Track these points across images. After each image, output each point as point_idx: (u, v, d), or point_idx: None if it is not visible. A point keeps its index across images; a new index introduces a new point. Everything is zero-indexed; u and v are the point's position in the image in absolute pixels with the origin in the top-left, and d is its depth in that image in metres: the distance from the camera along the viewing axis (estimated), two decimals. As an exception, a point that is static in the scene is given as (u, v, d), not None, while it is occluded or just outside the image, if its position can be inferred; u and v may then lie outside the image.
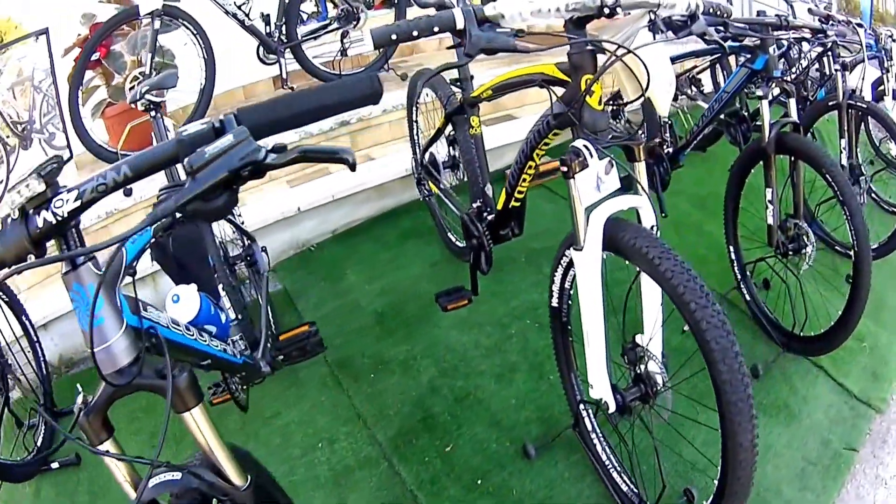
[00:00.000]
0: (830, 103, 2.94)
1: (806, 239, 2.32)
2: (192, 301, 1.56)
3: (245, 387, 2.22)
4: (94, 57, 3.02)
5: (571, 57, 1.46)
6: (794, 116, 2.31)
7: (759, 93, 2.23)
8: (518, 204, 2.11)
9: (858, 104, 2.90)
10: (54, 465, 2.19)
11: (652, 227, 1.55)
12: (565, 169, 1.46)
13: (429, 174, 2.58)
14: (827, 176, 2.14)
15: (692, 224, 3.12)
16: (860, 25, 3.00)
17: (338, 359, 2.58)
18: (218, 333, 1.65)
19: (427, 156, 2.62)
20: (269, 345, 2.08)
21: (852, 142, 2.98)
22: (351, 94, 0.94)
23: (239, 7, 2.96)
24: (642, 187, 1.55)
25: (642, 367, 1.67)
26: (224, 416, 2.23)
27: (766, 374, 2.36)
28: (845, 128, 2.91)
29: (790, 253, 2.36)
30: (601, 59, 1.44)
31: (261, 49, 3.10)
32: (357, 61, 3.61)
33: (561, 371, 2.02)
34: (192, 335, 1.32)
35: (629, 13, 1.46)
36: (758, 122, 3.96)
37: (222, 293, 1.97)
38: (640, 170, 1.57)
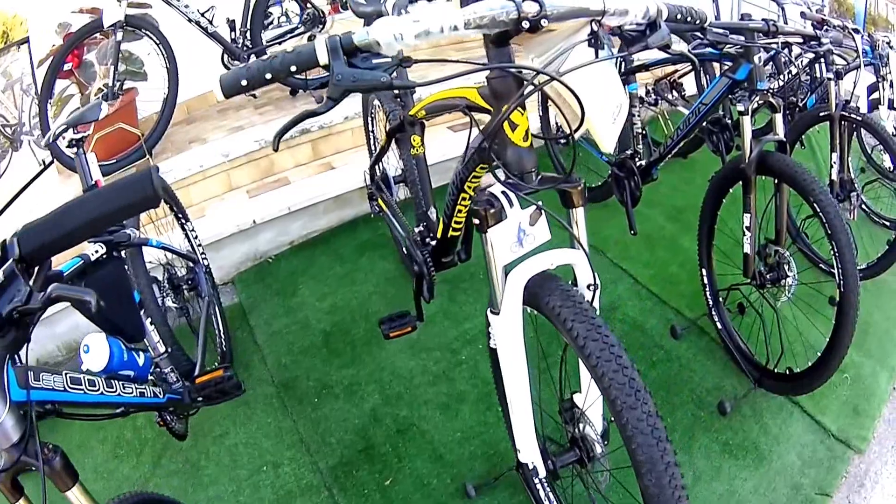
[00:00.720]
0: (822, 114, 2.55)
1: (787, 268, 1.97)
2: (101, 350, 1.48)
3: (183, 416, 2.01)
4: (67, 67, 2.78)
5: (491, 81, 1.09)
6: (781, 133, 1.94)
7: (740, 107, 1.86)
8: (457, 233, 1.79)
9: (852, 116, 2.50)
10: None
11: (589, 287, 1.20)
12: (477, 221, 1.11)
13: (380, 189, 2.24)
14: (815, 204, 1.78)
15: (666, 238, 2.73)
16: (856, 31, 2.59)
17: (284, 380, 2.30)
18: (136, 377, 1.59)
19: (379, 170, 2.28)
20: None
21: (845, 155, 2.59)
22: (126, 200, 0.84)
23: (202, 14, 2.63)
24: (579, 241, 1.19)
25: (580, 428, 1.36)
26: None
27: (734, 411, 2.04)
28: (837, 141, 2.53)
29: (768, 284, 2.02)
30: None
31: (225, 56, 2.78)
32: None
33: (504, 413, 1.73)
34: (98, 389, 1.31)
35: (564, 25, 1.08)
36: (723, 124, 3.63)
37: (150, 328, 1.77)
38: (578, 219, 1.20)
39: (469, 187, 1.33)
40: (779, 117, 1.92)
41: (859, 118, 2.45)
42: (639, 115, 2.28)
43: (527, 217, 1.14)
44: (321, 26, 2.98)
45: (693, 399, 2.06)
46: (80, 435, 2.22)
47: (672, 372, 2.11)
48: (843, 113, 2.46)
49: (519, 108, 1.07)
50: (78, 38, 2.69)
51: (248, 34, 2.73)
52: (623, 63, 2.20)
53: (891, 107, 2.90)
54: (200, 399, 1.88)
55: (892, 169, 3.02)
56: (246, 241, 2.68)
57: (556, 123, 2.73)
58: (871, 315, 2.54)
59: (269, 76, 0.89)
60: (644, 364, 2.11)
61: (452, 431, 2.02)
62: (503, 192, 1.13)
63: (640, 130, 2.30)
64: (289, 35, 2.93)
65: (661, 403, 2.02)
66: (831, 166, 2.52)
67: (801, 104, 3.11)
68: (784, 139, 1.89)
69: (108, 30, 2.55)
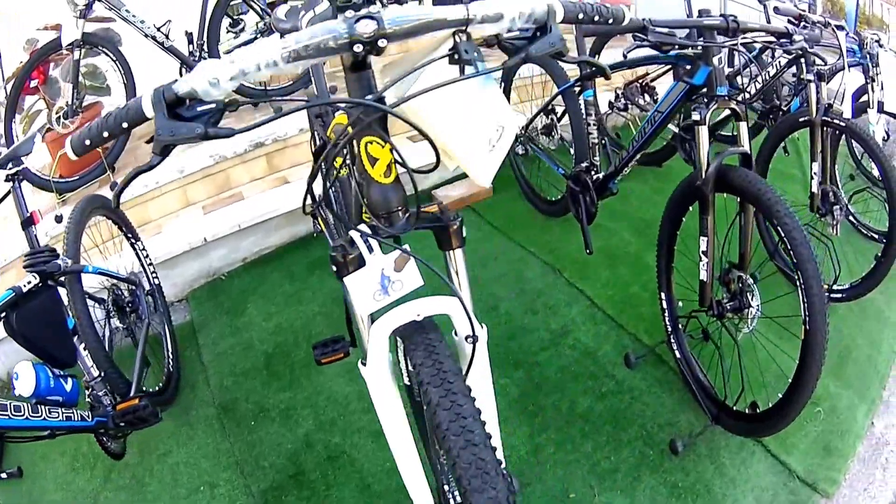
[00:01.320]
0: (801, 119, 2.20)
1: (749, 297, 1.66)
2: (28, 377, 1.55)
3: (119, 436, 1.91)
4: (34, 83, 2.61)
5: (348, 113, 0.90)
6: (745, 145, 1.61)
7: (696, 116, 1.54)
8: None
9: (835, 121, 2.16)
10: (2, 476, 2.01)
11: (468, 339, 0.98)
12: (335, 267, 0.92)
13: (319, 208, 1.97)
14: (779, 228, 1.47)
15: (630, 255, 2.38)
16: (840, 28, 2.23)
17: (225, 401, 2.07)
18: (64, 401, 1.64)
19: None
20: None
21: (827, 165, 2.24)
22: None
23: (158, 29, 2.38)
24: (456, 288, 1.00)
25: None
26: (127, 448, 1.97)
27: (688, 450, 1.74)
28: (818, 149, 2.18)
29: (728, 313, 1.72)
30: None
31: (183, 69, 2.52)
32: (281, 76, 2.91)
33: (427, 451, 1.47)
34: (23, 414, 1.41)
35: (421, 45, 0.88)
36: (723, 134, 3.25)
37: (84, 353, 1.70)
38: (456, 262, 1.01)
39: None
40: (743, 126, 1.60)
41: (843, 124, 2.10)
42: (595, 125, 1.97)
43: (391, 262, 0.92)
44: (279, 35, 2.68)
45: (643, 435, 1.76)
46: (43, 447, 2.10)
47: (622, 405, 1.82)
48: (826, 118, 2.11)
49: (379, 140, 0.89)
50: (39, 56, 2.53)
51: (204, 47, 2.47)
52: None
53: (881, 110, 2.53)
54: (123, 424, 1.77)
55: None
56: (199, 259, 2.44)
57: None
58: (853, 340, 2.21)
59: (106, 134, 0.80)
60: (591, 396, 1.82)
61: (382, 461, 1.78)
62: (361, 236, 0.91)
63: (596, 140, 1.98)
64: (243, 45, 2.66)
65: (606, 440, 1.73)
66: (811, 177, 2.17)
67: (785, 108, 2.76)
68: (748, 152, 1.56)
69: (67, 48, 2.36)
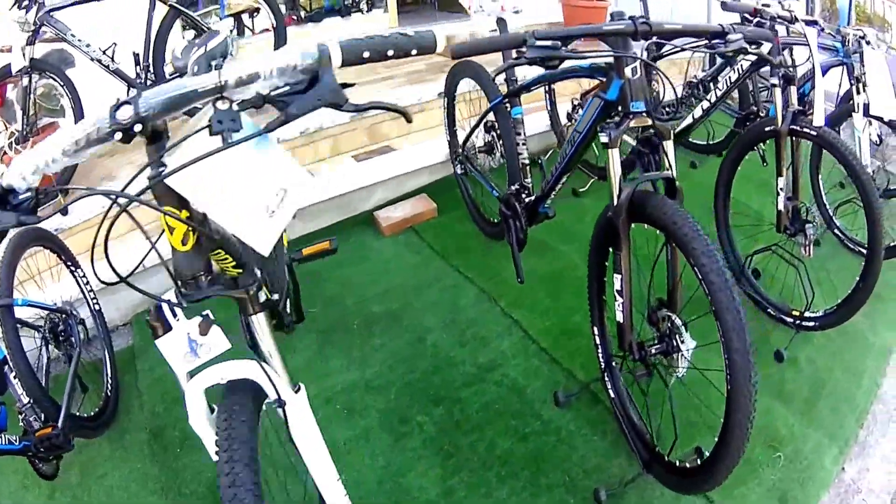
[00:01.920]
0: (767, 129, 1.81)
1: (679, 340, 1.32)
2: None
3: (51, 458, 1.75)
4: None
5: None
6: (671, 168, 1.28)
7: (604, 138, 1.22)
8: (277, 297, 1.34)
9: (805, 130, 1.75)
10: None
11: (275, 404, 0.93)
12: (150, 331, 0.92)
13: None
14: (696, 269, 1.14)
15: (577, 280, 1.96)
16: (812, 24, 1.80)
17: (155, 427, 1.89)
18: None
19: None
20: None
21: (797, 179, 1.83)
22: None
23: (104, 52, 2.20)
24: (258, 353, 0.93)
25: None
26: (66, 469, 1.82)
27: (614, 500, 1.37)
28: (784, 162, 1.78)
29: (652, 358, 1.38)
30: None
31: (130, 92, 2.37)
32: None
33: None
34: None
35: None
36: (695, 141, 2.76)
37: (14, 382, 1.60)
38: (259, 327, 0.93)
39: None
40: (669, 146, 1.26)
41: (813, 133, 1.70)
42: (524, 144, 1.64)
43: (195, 327, 0.90)
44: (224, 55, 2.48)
45: (565, 481, 1.45)
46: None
47: (546, 447, 1.51)
48: (794, 127, 1.71)
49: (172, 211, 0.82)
50: (-8, 83, 2.32)
51: (150, 68, 2.31)
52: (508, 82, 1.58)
53: (866, 113, 2.08)
54: (42, 450, 1.63)
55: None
56: (142, 283, 2.20)
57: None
58: (828, 372, 1.81)
59: None
60: (512, 437, 1.52)
61: (293, 494, 1.57)
62: (168, 303, 0.90)
63: (527, 161, 1.65)
64: None
65: (524, 485, 1.44)
66: (777, 193, 1.78)
67: (763, 114, 2.34)
68: (671, 176, 1.23)
69: (16, 74, 2.23)
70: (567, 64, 1.19)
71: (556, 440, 1.53)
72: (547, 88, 2.35)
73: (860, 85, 2.08)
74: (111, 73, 2.24)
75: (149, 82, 2.26)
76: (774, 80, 1.68)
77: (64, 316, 1.86)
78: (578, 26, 1.13)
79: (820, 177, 2.35)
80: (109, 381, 1.96)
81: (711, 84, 1.91)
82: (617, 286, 1.27)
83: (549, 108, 2.39)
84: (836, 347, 1.89)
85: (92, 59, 2.21)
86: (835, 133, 1.69)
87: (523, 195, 1.60)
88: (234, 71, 0.70)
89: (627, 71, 1.17)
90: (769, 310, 1.88)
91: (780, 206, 1.76)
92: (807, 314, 1.82)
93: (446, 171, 2.28)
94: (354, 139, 2.32)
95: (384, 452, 1.57)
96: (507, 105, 1.61)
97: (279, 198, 0.78)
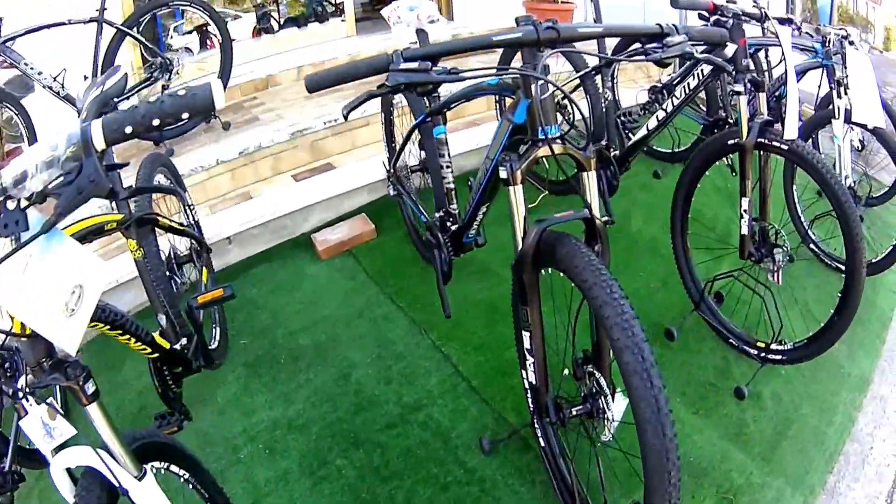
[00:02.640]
0: (731, 142, 1.43)
1: (604, 402, 1.00)
2: None
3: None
4: None
5: None
6: (591, 204, 0.94)
7: (503, 174, 0.88)
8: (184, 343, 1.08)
9: (773, 143, 1.36)
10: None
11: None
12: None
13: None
14: (598, 326, 0.80)
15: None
16: (787, 22, 1.40)
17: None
18: None
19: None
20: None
21: (765, 198, 1.45)
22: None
23: (55, 79, 1.93)
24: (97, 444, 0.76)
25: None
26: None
27: None
28: (749, 181, 1.40)
29: (572, 417, 1.05)
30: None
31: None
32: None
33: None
34: None
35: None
36: (660, 150, 2.27)
37: None
38: (94, 414, 0.77)
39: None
40: (590, 179, 0.91)
41: (784, 147, 1.31)
42: (449, 167, 1.30)
43: (45, 412, 0.78)
44: (168, 75, 2.21)
45: (488, 541, 1.16)
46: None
47: (467, 498, 1.20)
48: (762, 140, 1.33)
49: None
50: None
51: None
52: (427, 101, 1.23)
53: (847, 120, 1.67)
54: None
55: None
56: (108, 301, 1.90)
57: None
58: (795, 409, 1.44)
59: None
60: (433, 486, 1.22)
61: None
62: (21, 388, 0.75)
63: (451, 185, 1.31)
64: (138, 88, 2.12)
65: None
66: (741, 216, 1.40)
67: (733, 120, 1.92)
68: (588, 215, 0.89)
69: None
70: (472, 81, 0.86)
71: (480, 491, 1.23)
72: (497, 98, 1.99)
73: (841, 89, 1.66)
74: (61, 100, 1.97)
75: None
76: (738, 88, 1.30)
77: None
78: (458, 40, 0.79)
79: (795, 187, 1.94)
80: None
81: (676, 89, 1.53)
82: (526, 344, 0.95)
83: (499, 117, 2.03)
84: (806, 380, 1.52)
85: (43, 87, 1.94)
86: (809, 147, 1.30)
87: (448, 223, 1.27)
88: (9, 171, 0.60)
89: (535, 89, 0.83)
90: (731, 340, 1.52)
91: (745, 230, 1.38)
92: (773, 347, 1.45)
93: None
94: (296, 157, 2.01)
95: (302, 497, 1.29)
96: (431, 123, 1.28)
97: (76, 295, 0.66)
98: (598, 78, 1.81)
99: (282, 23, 2.95)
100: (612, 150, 1.62)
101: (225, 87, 2.09)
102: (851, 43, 1.60)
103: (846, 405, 1.49)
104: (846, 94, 1.66)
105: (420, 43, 1.43)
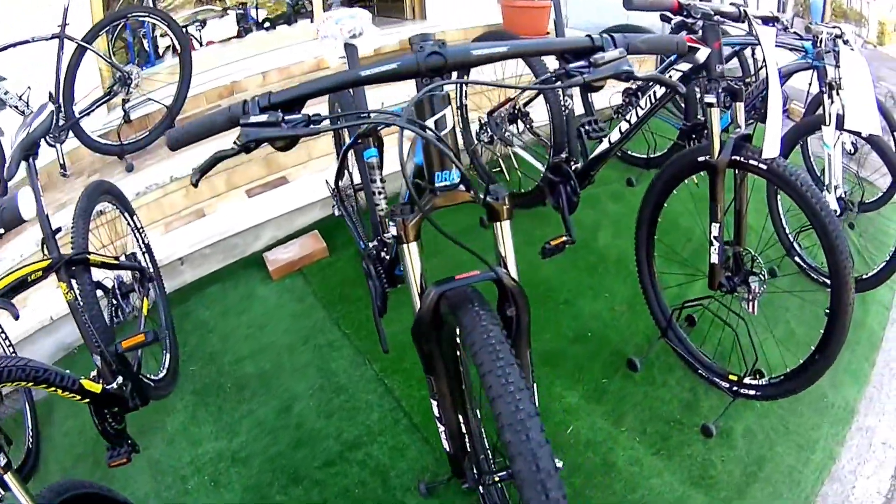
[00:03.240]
0: (701, 158, 1.15)
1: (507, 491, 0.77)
2: None
3: None
4: None
5: None
6: (508, 257, 0.67)
7: (393, 229, 0.65)
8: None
9: (750, 162, 1.09)
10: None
11: None
12: None
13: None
14: (495, 423, 0.58)
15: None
16: (771, 21, 1.10)
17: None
18: None
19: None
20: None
21: (741, 220, 1.17)
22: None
23: (20, 98, 1.72)
24: None
25: None
26: None
27: None
28: (720, 204, 1.13)
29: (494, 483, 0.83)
30: None
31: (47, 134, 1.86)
32: (143, 123, 2.00)
33: None
34: None
35: None
36: (634, 154, 1.93)
37: None
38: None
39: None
40: (504, 229, 0.68)
41: (763, 166, 1.04)
42: (382, 192, 1.04)
43: None
44: (127, 88, 2.01)
45: None
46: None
47: None
48: (736, 157, 1.06)
49: None
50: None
51: (61, 108, 1.84)
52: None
53: (839, 126, 1.36)
54: None
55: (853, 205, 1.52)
56: (52, 334, 1.65)
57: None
58: (771, 446, 1.20)
59: None
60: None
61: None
62: None
63: (383, 211, 1.05)
64: (98, 103, 1.89)
65: None
66: (710, 243, 1.13)
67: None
68: (502, 277, 0.65)
69: None
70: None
71: (417, 541, 1.04)
72: (458, 105, 1.72)
73: (833, 92, 1.35)
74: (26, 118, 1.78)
75: (62, 122, 1.80)
76: (710, 99, 1.02)
77: None
78: (323, 78, 0.56)
79: (779, 195, 1.64)
80: (31, 433, 1.55)
81: (642, 98, 1.25)
82: (436, 411, 0.73)
83: (460, 126, 1.77)
84: (783, 413, 1.27)
85: (9, 106, 1.76)
86: (792, 168, 1.02)
87: (382, 252, 1.05)
88: None
89: (428, 134, 0.59)
90: (700, 371, 1.27)
91: (714, 258, 1.12)
92: (747, 381, 1.20)
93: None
94: (250, 171, 1.79)
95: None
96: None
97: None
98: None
99: (261, 22, 2.69)
100: (572, 162, 1.36)
101: (184, 99, 1.88)
102: (846, 42, 1.28)
103: (827, 440, 1.24)
104: (838, 96, 1.35)
105: (348, 58, 1.20)
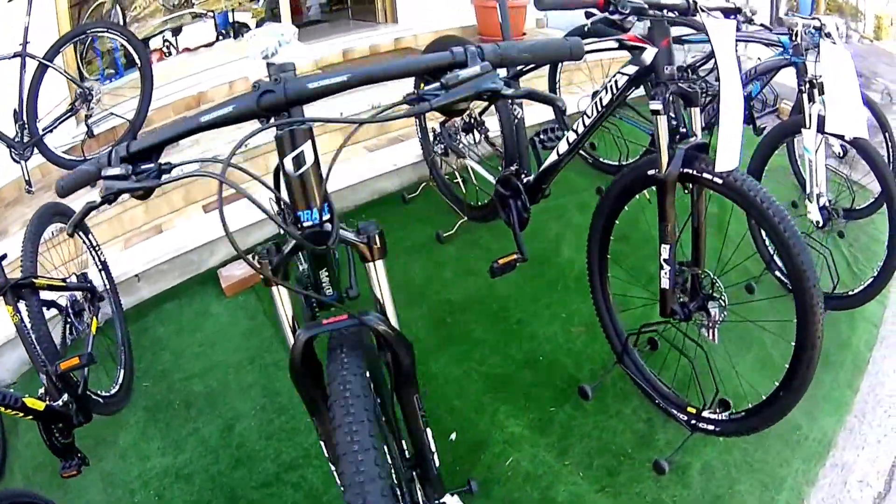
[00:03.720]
0: (650, 173, 0.99)
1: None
2: None
3: None
4: None
5: None
6: (384, 297, 0.56)
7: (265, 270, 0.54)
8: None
9: (704, 176, 0.92)
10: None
11: None
12: None
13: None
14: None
15: None
16: (733, 12, 0.93)
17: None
18: None
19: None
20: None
21: (699, 239, 1.01)
22: None
23: None
24: None
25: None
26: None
27: None
28: (668, 224, 0.97)
29: None
30: None
31: (11, 151, 1.70)
32: (108, 138, 1.90)
33: None
34: None
35: None
36: (607, 162, 1.75)
37: None
38: None
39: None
40: (377, 272, 0.56)
41: (718, 181, 0.88)
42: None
43: None
44: (88, 103, 1.92)
45: None
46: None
47: None
48: (689, 171, 0.90)
49: None
50: None
51: (25, 126, 1.72)
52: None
53: (821, 129, 1.18)
54: None
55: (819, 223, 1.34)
56: (15, 349, 1.52)
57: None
58: (732, 484, 1.05)
59: None
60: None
61: None
62: None
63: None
64: (61, 120, 1.78)
65: None
66: (661, 266, 0.98)
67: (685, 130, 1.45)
68: (358, 323, 0.54)
69: None
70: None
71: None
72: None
73: (815, 91, 1.17)
74: (-9, 139, 1.72)
75: (26, 139, 1.72)
76: (655, 106, 0.87)
77: None
78: (168, 127, 0.52)
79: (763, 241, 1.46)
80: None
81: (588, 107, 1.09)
82: (326, 453, 0.63)
83: (419, 135, 1.63)
84: (749, 447, 1.12)
85: None
86: (750, 182, 0.86)
87: (522, 175, 0.94)
88: None
89: (289, 163, 0.49)
90: (658, 401, 1.12)
91: (665, 283, 0.97)
92: (705, 414, 1.05)
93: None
94: (207, 186, 1.70)
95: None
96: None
97: None
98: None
99: (236, 27, 2.57)
100: (523, 175, 1.21)
101: (146, 113, 1.79)
102: (828, 35, 1.10)
103: (797, 477, 1.09)
104: (820, 96, 1.17)
105: (270, 76, 1.08)
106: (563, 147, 1.09)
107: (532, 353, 1.23)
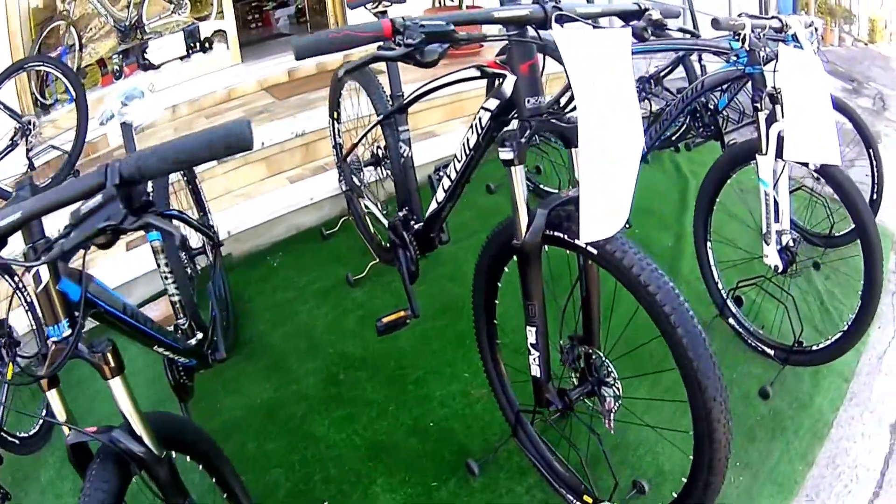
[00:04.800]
0: (513, 242, 0.71)
1: None
2: None
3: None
4: None
5: None
6: (133, 423, 0.39)
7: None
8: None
9: (574, 242, 0.64)
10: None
11: None
12: None
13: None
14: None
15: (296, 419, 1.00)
16: (634, 15, 0.61)
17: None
18: None
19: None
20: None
21: (590, 311, 0.72)
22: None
23: None
24: None
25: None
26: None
27: None
28: (533, 301, 0.68)
29: None
30: None
31: None
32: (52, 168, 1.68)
33: None
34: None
35: None
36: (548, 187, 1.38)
37: None
38: None
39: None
40: (118, 389, 0.38)
41: (593, 251, 0.60)
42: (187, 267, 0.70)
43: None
44: (26, 137, 1.75)
45: None
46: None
47: None
48: (557, 234, 0.63)
49: None
50: None
51: None
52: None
53: (780, 154, 0.85)
54: None
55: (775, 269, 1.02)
56: None
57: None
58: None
59: None
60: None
61: None
62: None
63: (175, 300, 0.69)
64: (2, 154, 1.62)
65: None
66: (528, 351, 0.72)
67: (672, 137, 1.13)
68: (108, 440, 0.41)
69: None
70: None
71: None
72: (333, 143, 1.33)
73: (776, 108, 0.84)
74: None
75: None
76: (505, 155, 0.60)
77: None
78: None
79: (709, 243, 1.13)
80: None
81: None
82: None
83: (338, 166, 1.37)
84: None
85: None
86: (635, 252, 0.58)
87: (411, 222, 0.75)
88: None
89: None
90: (555, 484, 0.88)
91: (535, 371, 0.71)
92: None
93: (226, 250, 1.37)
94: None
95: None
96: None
97: None
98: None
99: (205, 44, 2.34)
100: (412, 222, 0.96)
101: (83, 144, 1.63)
102: (794, 38, 0.76)
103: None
104: (781, 116, 0.84)
105: (123, 138, 0.90)
106: (440, 195, 0.83)
107: (422, 418, 1.01)
